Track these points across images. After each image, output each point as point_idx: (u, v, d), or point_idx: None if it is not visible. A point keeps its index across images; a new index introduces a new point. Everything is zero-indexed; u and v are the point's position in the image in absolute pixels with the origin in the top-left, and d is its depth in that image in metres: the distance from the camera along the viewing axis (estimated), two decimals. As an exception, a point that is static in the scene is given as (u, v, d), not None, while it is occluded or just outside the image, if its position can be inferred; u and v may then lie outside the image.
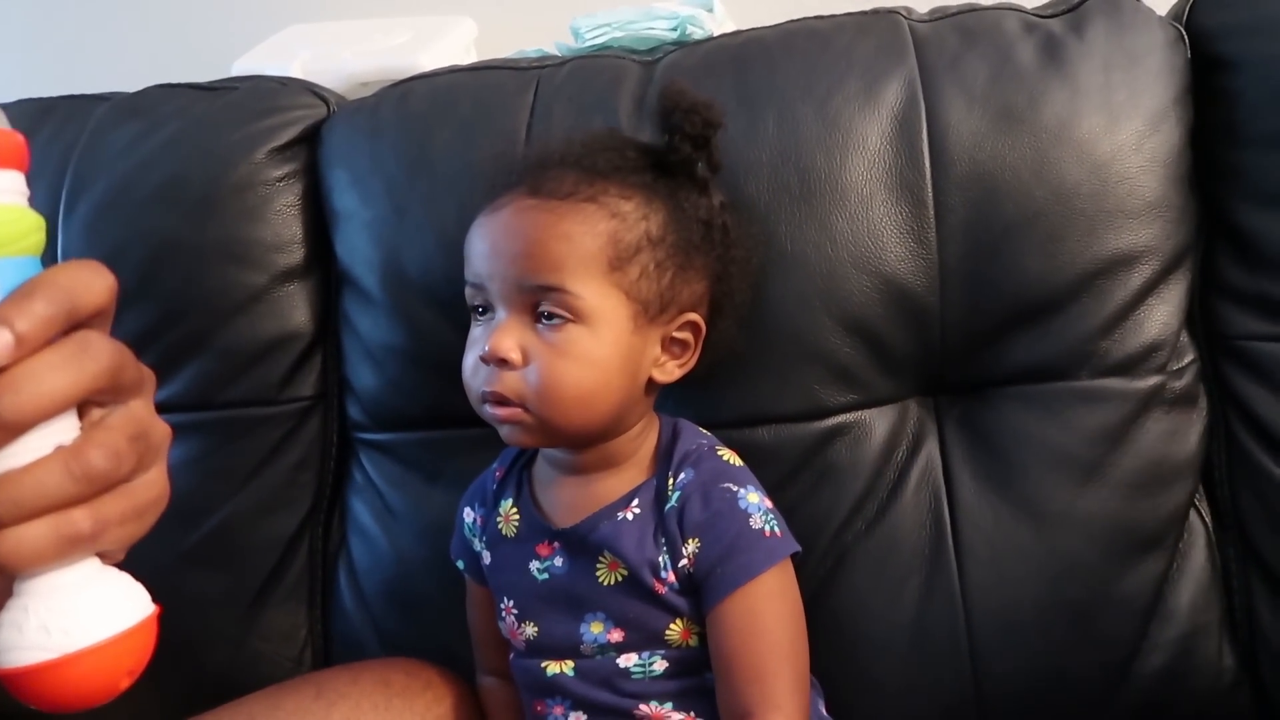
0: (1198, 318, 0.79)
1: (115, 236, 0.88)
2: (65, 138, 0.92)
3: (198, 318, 0.88)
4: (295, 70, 1.03)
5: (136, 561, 0.96)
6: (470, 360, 0.67)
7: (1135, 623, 0.74)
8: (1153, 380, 0.75)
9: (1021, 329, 0.76)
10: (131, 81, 0.98)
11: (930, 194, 0.75)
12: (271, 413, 0.89)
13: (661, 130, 0.69)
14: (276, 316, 0.89)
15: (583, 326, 0.63)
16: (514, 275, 0.63)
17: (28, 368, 0.34)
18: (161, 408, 0.89)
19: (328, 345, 0.91)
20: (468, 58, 1.08)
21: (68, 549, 0.35)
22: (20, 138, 0.37)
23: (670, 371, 0.68)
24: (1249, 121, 0.76)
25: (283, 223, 0.89)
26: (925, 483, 0.77)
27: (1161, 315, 0.76)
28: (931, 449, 0.78)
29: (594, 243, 0.63)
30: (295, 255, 0.89)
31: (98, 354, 0.35)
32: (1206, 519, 0.77)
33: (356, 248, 0.87)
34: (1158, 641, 0.74)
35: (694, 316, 0.68)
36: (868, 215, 0.75)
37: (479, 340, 0.66)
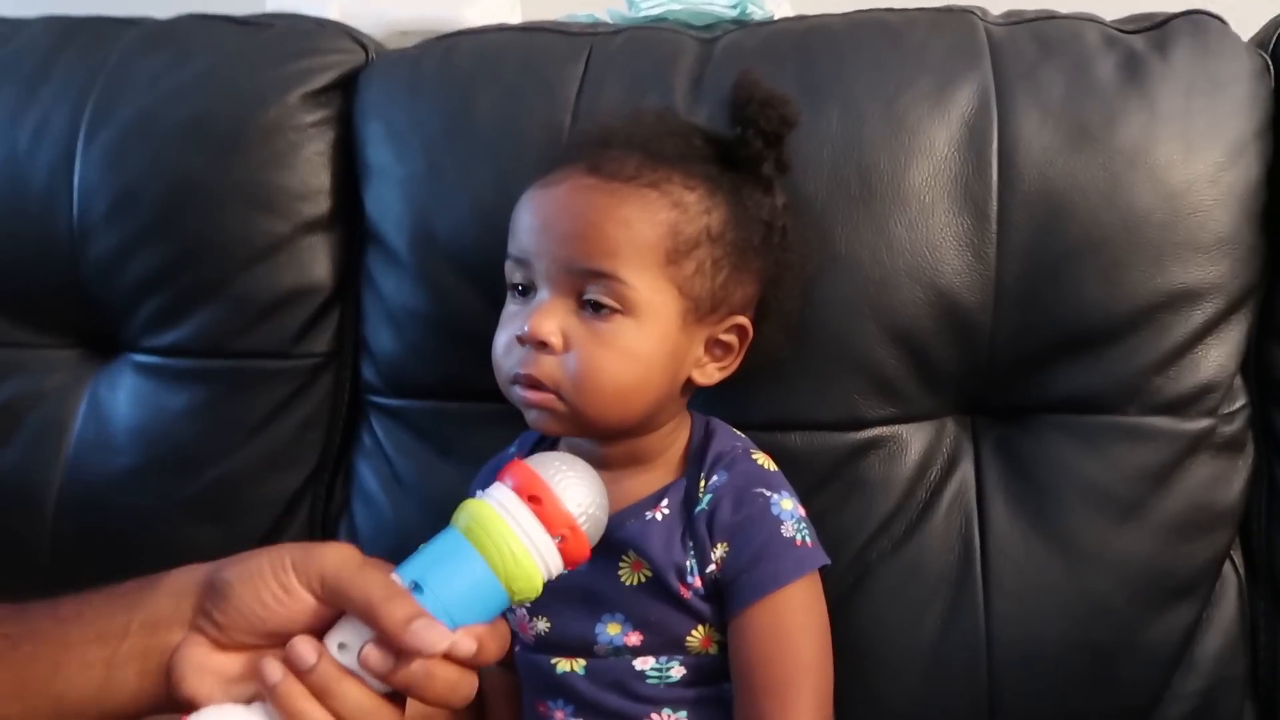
0: (1252, 361, 0.76)
1: (136, 170, 0.84)
2: (90, 60, 0.88)
3: (215, 262, 0.84)
4: (332, 11, 0.99)
5: (132, 509, 0.92)
6: (504, 339, 0.64)
7: (1160, 671, 0.72)
8: (1203, 423, 0.73)
9: (1073, 357, 0.73)
10: (162, 7, 0.94)
11: (995, 208, 0.72)
12: (283, 367, 0.86)
13: (733, 121, 0.66)
14: (297, 268, 0.85)
15: (630, 319, 0.60)
16: (564, 256, 0.60)
17: (448, 672, 0.45)
18: (170, 351, 0.87)
19: (347, 302, 0.88)
20: (513, 16, 1.03)
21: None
22: (589, 550, 0.51)
23: (710, 374, 0.66)
24: (1328, 163, 0.73)
25: (311, 171, 0.86)
26: (957, 505, 0.74)
27: (1219, 356, 0.73)
28: (966, 471, 0.76)
29: (653, 232, 0.60)
30: (321, 206, 0.86)
31: (467, 691, 0.47)
32: (1240, 569, 0.75)
33: (387, 205, 0.83)
34: (1181, 692, 0.72)
35: (742, 320, 0.66)
36: (928, 224, 0.72)
37: (515, 318, 0.63)
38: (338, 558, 0.46)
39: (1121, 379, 0.73)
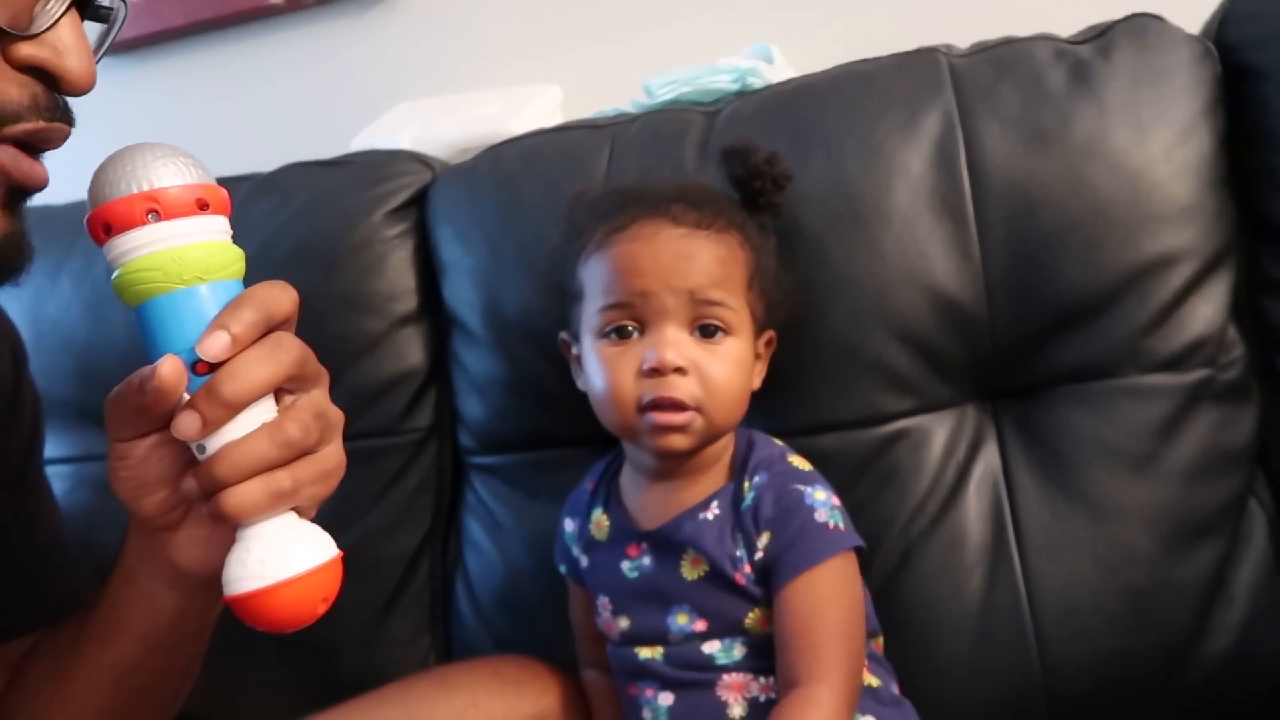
0: (1246, 312, 0.82)
1: (258, 295, 1.01)
2: (215, 214, 1.07)
3: (328, 362, 0.96)
4: (405, 142, 1.16)
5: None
6: (620, 375, 0.72)
7: (1195, 607, 0.77)
8: (1200, 374, 0.79)
9: (1068, 332, 0.81)
10: (268, 161, 1.13)
11: (971, 211, 0.82)
12: (393, 442, 1.00)
13: (747, 176, 0.79)
14: (395, 357, 1.00)
15: (733, 338, 0.73)
16: (688, 289, 0.71)
17: (241, 361, 0.44)
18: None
19: (440, 381, 1.02)
20: (555, 120, 1.18)
21: (275, 502, 0.45)
22: (225, 192, 0.48)
23: (755, 382, 0.78)
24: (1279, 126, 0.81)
25: (398, 275, 1.01)
26: (986, 481, 0.82)
27: (1206, 312, 0.80)
28: (991, 450, 0.84)
29: (737, 267, 0.74)
30: (409, 302, 1.01)
31: (289, 349, 0.46)
32: (1268, 505, 0.80)
33: (461, 292, 0.98)
34: (1220, 625, 0.77)
35: (772, 334, 0.79)
36: (914, 235, 0.82)
37: (626, 355, 0.72)
38: None
39: (1115, 345, 0.80)
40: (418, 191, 1.04)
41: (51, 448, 1.04)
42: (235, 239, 1.11)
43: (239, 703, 0.99)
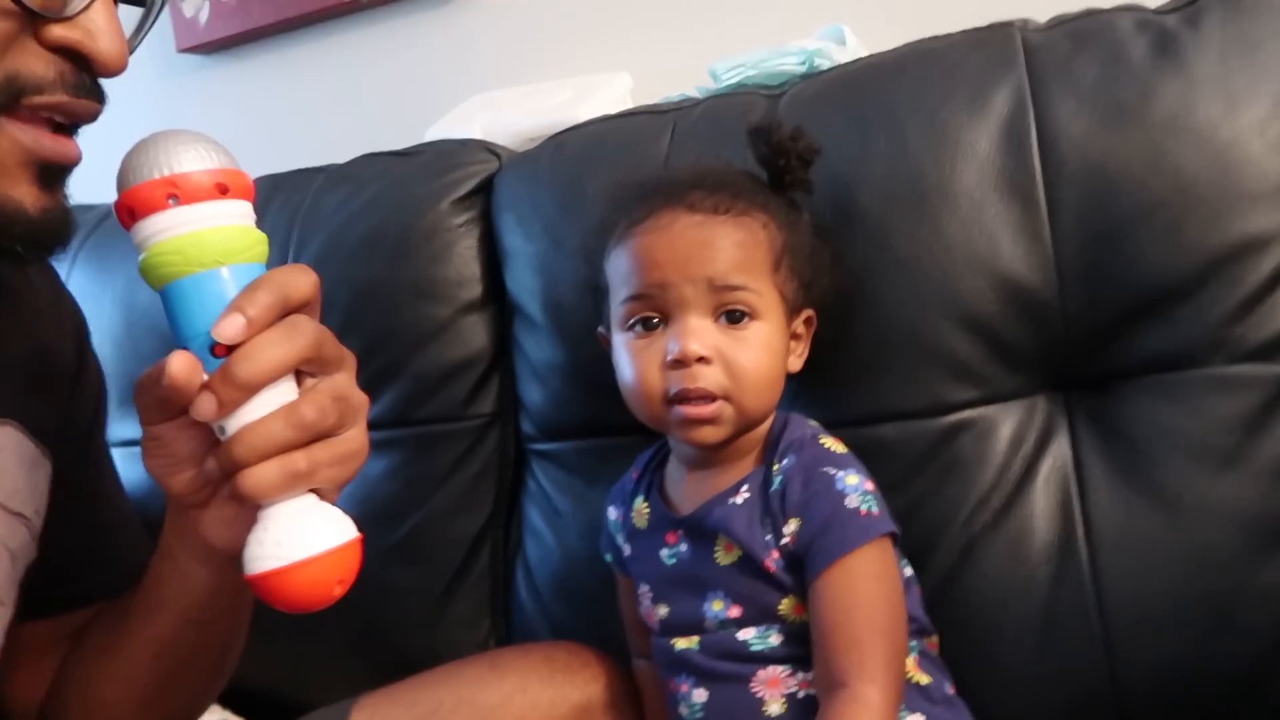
0: (1352, 300, 0.76)
1: (328, 283, 0.95)
2: (291, 205, 1.11)
3: (395, 348, 1.02)
4: (476, 132, 1.17)
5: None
6: (643, 368, 0.71)
7: (1282, 613, 0.72)
8: (1293, 365, 0.74)
9: (1148, 319, 0.76)
10: (348, 154, 1.16)
11: (1042, 193, 0.78)
12: (457, 428, 1.02)
13: (773, 154, 0.77)
14: (459, 344, 1.01)
15: (761, 322, 0.71)
16: (706, 277, 0.70)
17: (255, 343, 0.45)
18: (370, 426, 1.04)
19: (503, 367, 1.03)
20: (624, 108, 1.18)
21: (291, 483, 0.46)
22: (249, 177, 0.48)
23: (794, 363, 0.76)
24: (1389, 95, 0.74)
25: (463, 262, 1.02)
26: (1055, 475, 0.78)
27: (1302, 298, 0.74)
28: (1062, 443, 0.79)
29: (759, 249, 0.72)
30: (474, 290, 1.02)
31: (305, 331, 0.46)
32: (1368, 508, 0.74)
33: (523, 280, 0.98)
34: (1314, 634, 0.71)
35: (810, 313, 0.76)
36: (980, 218, 0.79)
37: (651, 347, 0.71)
38: None
39: (1201, 333, 0.75)
40: (484, 180, 1.05)
41: (137, 428, 1.10)
42: (308, 229, 1.14)
43: (307, 679, 1.02)
